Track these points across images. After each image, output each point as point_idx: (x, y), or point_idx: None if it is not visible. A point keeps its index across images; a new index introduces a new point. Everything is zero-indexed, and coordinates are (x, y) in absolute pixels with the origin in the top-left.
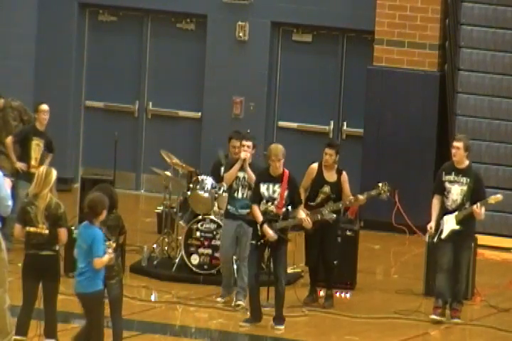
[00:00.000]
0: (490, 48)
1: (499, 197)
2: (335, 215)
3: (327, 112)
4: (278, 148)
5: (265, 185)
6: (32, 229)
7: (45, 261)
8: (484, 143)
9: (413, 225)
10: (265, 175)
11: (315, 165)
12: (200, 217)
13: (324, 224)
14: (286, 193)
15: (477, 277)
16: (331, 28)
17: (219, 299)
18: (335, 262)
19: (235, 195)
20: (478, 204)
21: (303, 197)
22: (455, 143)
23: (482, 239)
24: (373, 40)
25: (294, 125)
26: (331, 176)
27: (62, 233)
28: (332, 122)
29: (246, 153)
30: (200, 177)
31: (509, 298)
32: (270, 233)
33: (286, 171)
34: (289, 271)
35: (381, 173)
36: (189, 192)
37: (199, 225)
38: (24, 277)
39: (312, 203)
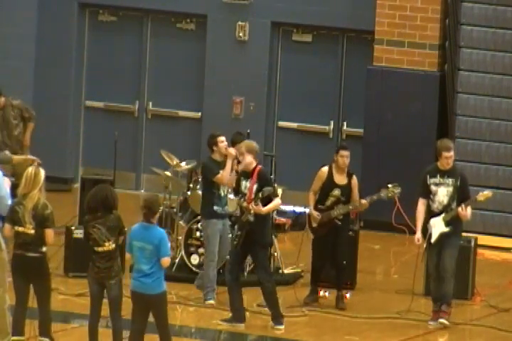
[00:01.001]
0: (490, 48)
1: (488, 193)
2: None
3: (327, 112)
4: (243, 142)
5: (243, 182)
6: (20, 228)
7: (31, 263)
8: (484, 143)
9: (413, 225)
10: (243, 172)
11: (325, 169)
12: (200, 216)
13: (335, 226)
14: (255, 187)
15: (477, 277)
16: (331, 28)
17: (212, 302)
18: (344, 262)
19: (221, 193)
20: (463, 205)
21: (313, 200)
22: (448, 154)
23: (482, 239)
24: (373, 40)
25: (294, 125)
26: (341, 179)
27: (49, 234)
28: (332, 122)
29: (232, 148)
30: (200, 177)
31: (509, 298)
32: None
33: (258, 167)
34: (289, 271)
35: (381, 173)
36: (189, 192)
37: (199, 225)
38: (13, 277)
39: (322, 206)
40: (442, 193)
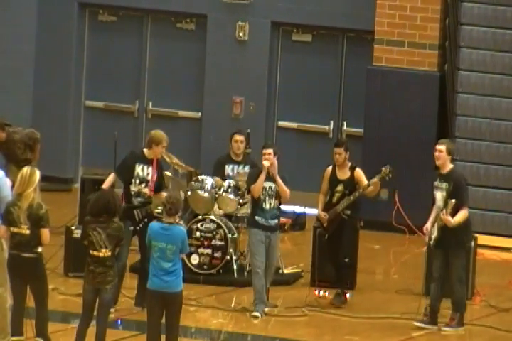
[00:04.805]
0: (490, 48)
1: (453, 201)
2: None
3: (327, 112)
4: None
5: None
6: (15, 229)
7: (27, 264)
8: (484, 143)
9: (413, 225)
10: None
11: (329, 168)
12: (200, 217)
13: (342, 222)
14: (155, 177)
15: (477, 277)
16: (330, 27)
17: (257, 314)
18: (346, 260)
19: (264, 205)
20: (444, 210)
21: (322, 201)
22: (438, 147)
23: (482, 239)
24: (373, 40)
25: (293, 125)
26: (343, 174)
27: (45, 234)
28: (332, 122)
29: (267, 161)
30: (200, 177)
31: (509, 298)
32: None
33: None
34: (289, 270)
35: None
36: (189, 192)
37: (199, 225)
38: (10, 277)
39: (329, 205)
40: (439, 197)
